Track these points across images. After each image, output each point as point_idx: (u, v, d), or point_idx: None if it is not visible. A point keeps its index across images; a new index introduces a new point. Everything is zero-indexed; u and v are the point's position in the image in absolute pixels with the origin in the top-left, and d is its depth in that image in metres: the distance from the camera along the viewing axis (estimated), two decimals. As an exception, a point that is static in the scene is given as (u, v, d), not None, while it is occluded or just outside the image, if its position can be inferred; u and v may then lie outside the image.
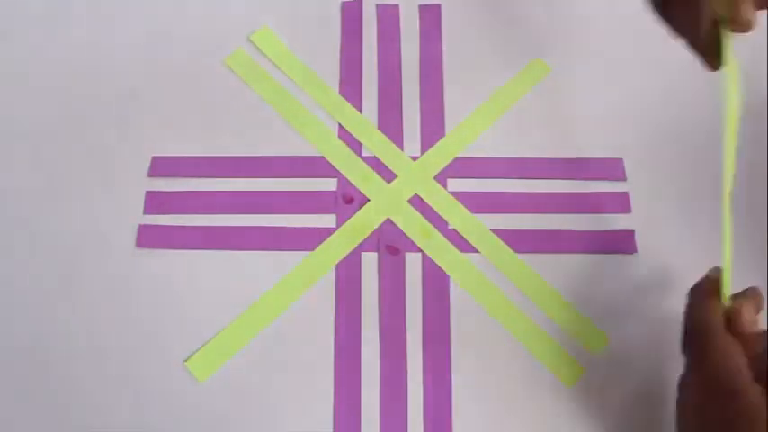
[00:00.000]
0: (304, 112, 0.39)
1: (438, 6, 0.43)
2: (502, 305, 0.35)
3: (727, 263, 0.29)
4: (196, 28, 0.42)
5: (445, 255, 0.36)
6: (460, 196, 0.37)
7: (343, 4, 0.43)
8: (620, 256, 0.36)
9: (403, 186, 0.38)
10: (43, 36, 0.42)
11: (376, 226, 0.37)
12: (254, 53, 0.41)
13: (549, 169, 0.38)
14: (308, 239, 0.36)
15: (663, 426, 0.33)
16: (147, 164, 0.38)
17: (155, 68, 0.41)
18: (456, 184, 0.38)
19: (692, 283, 0.35)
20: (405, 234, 0.37)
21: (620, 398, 0.33)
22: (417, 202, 0.37)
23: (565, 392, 0.33)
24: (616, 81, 0.40)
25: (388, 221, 0.37)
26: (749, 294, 0.29)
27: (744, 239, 0.36)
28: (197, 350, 0.34)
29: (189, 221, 0.37)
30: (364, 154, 0.39)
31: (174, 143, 0.39)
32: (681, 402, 0.29)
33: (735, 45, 0.40)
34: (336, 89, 0.40)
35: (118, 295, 0.35)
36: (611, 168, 0.38)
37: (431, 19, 0.42)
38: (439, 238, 0.37)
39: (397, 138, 0.39)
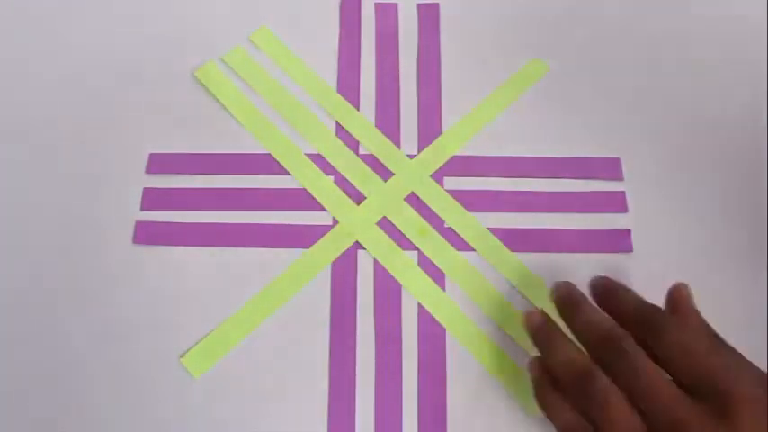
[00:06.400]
0: (302, 110, 0.40)
1: (436, 5, 0.43)
2: (498, 303, 0.35)
3: None
4: (196, 25, 0.42)
5: (442, 253, 0.36)
6: (457, 194, 0.37)
7: (341, 2, 0.43)
8: (616, 256, 0.36)
9: (400, 184, 0.38)
10: (42, 35, 0.42)
11: (372, 224, 0.37)
12: (253, 52, 0.41)
13: (546, 168, 0.38)
14: (304, 237, 0.37)
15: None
16: (145, 160, 0.38)
17: (154, 65, 0.41)
18: (453, 183, 0.38)
19: (688, 283, 0.35)
20: (401, 232, 0.37)
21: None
22: (414, 201, 0.37)
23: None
24: (614, 81, 0.40)
25: (385, 219, 0.37)
26: None
27: (744, 239, 0.36)
28: (192, 346, 0.34)
29: (186, 218, 0.37)
30: (361, 152, 0.39)
31: (172, 140, 0.39)
32: None
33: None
34: (335, 87, 0.40)
35: (114, 291, 0.35)
36: (608, 167, 0.38)
37: (429, 17, 0.42)
38: (435, 236, 0.37)
39: (394, 136, 0.39)
